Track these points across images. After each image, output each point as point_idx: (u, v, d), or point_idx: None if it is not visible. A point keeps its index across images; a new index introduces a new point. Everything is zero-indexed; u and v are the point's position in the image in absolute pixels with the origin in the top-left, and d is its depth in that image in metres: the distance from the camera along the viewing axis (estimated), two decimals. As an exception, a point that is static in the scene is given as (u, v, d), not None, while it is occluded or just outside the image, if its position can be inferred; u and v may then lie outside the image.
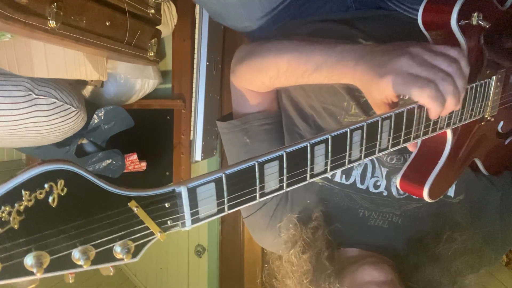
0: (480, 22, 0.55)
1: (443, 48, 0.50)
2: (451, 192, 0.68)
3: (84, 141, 1.50)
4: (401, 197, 0.68)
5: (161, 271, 2.03)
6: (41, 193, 0.26)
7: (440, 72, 0.48)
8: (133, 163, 1.55)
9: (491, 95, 0.60)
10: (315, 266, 0.60)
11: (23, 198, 0.26)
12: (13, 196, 0.26)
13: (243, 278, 1.84)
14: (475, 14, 0.55)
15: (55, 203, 0.27)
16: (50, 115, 1.23)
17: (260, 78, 0.66)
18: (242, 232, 1.83)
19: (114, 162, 1.47)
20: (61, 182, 0.27)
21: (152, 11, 1.36)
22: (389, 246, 0.66)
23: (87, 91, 1.53)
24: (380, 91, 0.50)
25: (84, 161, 1.46)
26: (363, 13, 0.77)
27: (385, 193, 0.68)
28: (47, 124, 1.24)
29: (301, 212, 0.69)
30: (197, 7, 1.57)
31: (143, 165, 1.57)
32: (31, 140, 1.30)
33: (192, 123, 1.61)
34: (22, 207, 0.26)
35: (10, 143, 1.32)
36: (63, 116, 1.26)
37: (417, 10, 0.57)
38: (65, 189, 0.27)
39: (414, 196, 0.66)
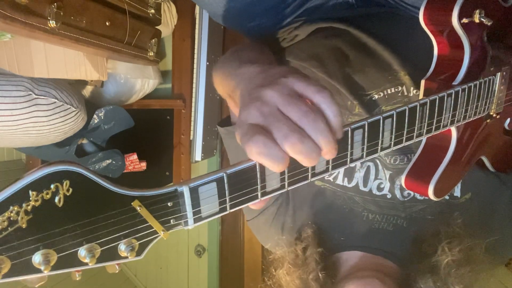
0: (482, 19, 0.54)
1: (308, 90, 0.37)
2: (457, 192, 0.67)
3: (84, 141, 1.50)
4: (405, 199, 0.66)
5: (161, 271, 2.03)
6: (47, 193, 0.27)
7: (282, 123, 0.35)
8: (133, 163, 1.55)
9: (495, 92, 0.60)
10: (302, 287, 0.60)
11: (31, 198, 0.27)
12: (21, 197, 0.27)
13: (243, 278, 1.85)
14: (477, 11, 0.54)
15: (61, 203, 0.28)
16: (50, 115, 1.23)
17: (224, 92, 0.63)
18: (242, 232, 1.83)
19: (114, 162, 1.48)
20: (66, 183, 0.28)
21: (152, 11, 1.36)
22: (394, 249, 0.65)
23: (87, 91, 1.53)
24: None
25: (84, 161, 1.46)
26: (365, 11, 0.76)
27: (389, 196, 0.67)
28: (47, 124, 1.24)
29: (302, 216, 0.68)
30: (197, 7, 1.58)
31: (143, 165, 1.57)
32: (31, 140, 1.31)
33: (192, 123, 1.61)
34: (29, 207, 0.27)
35: (10, 143, 1.32)
36: (63, 116, 1.26)
37: (417, 8, 0.56)
38: (71, 190, 0.28)
39: (419, 198, 0.66)
